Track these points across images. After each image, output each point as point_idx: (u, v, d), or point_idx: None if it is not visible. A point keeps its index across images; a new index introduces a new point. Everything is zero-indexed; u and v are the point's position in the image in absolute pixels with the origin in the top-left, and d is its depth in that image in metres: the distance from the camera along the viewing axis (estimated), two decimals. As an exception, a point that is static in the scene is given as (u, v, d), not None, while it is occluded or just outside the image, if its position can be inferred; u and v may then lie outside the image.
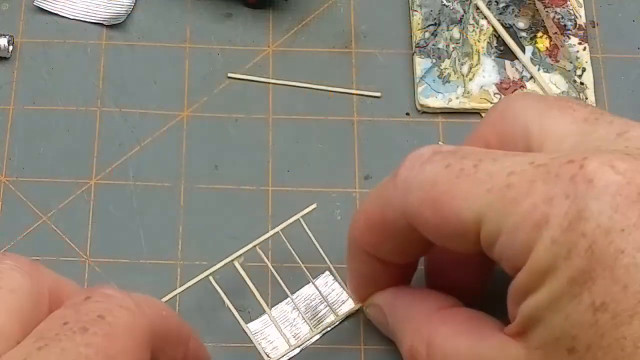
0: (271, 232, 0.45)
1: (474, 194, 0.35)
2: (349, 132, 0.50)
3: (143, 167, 0.49)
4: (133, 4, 0.52)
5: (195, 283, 0.44)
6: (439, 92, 0.51)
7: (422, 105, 0.51)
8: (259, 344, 0.44)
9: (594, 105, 0.50)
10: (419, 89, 0.51)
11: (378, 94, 0.51)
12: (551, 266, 0.33)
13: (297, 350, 0.45)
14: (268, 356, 0.44)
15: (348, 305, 0.46)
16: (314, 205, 0.46)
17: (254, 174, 0.49)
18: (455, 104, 0.50)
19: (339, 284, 0.46)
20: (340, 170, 0.49)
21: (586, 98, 0.51)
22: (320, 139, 0.50)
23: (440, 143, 0.39)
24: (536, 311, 0.34)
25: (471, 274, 0.42)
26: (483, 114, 0.51)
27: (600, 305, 0.32)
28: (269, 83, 0.51)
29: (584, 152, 0.34)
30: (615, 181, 0.32)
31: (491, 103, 0.50)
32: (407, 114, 0.51)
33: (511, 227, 0.34)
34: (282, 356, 0.44)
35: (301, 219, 0.45)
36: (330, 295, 0.46)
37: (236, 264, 0.45)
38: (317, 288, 0.45)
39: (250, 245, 0.45)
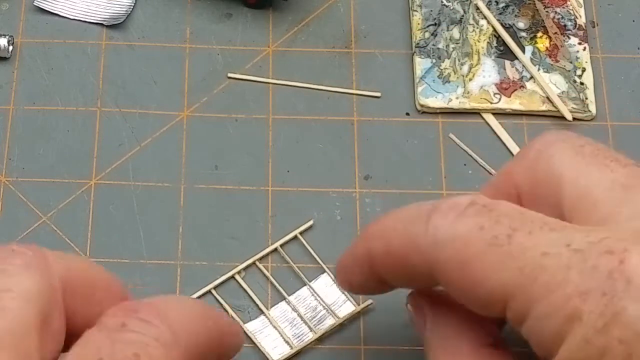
0: (271, 248, 0.46)
1: (505, 269, 0.33)
2: (349, 132, 0.50)
3: (143, 167, 0.49)
4: (133, 4, 0.52)
5: (198, 296, 0.45)
6: (439, 92, 0.51)
7: (422, 105, 0.51)
8: (260, 344, 0.44)
9: (594, 107, 0.50)
10: (419, 89, 0.51)
11: (378, 94, 0.51)
12: None
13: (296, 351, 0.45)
14: (270, 357, 0.44)
15: (347, 306, 0.46)
16: (311, 222, 0.47)
17: (254, 174, 0.49)
18: (455, 104, 0.50)
19: (338, 285, 0.46)
20: (340, 170, 0.49)
21: (586, 98, 0.51)
22: (320, 139, 0.50)
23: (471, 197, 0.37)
24: None
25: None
26: (483, 114, 0.51)
27: None
28: (269, 83, 0.51)
29: (624, 240, 0.32)
30: None
31: (491, 103, 0.50)
32: (407, 114, 0.51)
33: (541, 314, 0.33)
34: (284, 358, 0.44)
35: (299, 235, 0.47)
36: (329, 296, 0.46)
37: (237, 277, 0.46)
38: (315, 291, 0.46)
39: (250, 261, 0.46)
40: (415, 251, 0.36)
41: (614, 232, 0.33)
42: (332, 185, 0.49)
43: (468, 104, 0.50)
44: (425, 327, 0.40)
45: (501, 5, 0.53)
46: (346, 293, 0.46)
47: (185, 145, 0.49)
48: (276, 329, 0.45)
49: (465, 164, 0.49)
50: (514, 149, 0.50)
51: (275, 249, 0.47)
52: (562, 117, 0.50)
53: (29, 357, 0.32)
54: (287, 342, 0.45)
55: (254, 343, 0.45)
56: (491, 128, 0.50)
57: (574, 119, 0.50)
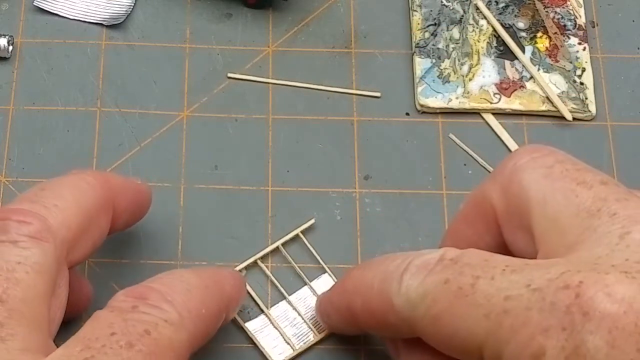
0: (272, 247, 0.47)
1: (473, 318, 0.35)
2: (349, 132, 0.50)
3: (143, 167, 0.49)
4: (133, 4, 0.52)
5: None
6: (438, 92, 0.51)
7: (422, 105, 0.51)
8: (260, 344, 0.44)
9: (594, 107, 0.50)
10: (419, 89, 0.51)
11: (378, 94, 0.51)
12: None
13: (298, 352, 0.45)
14: (270, 356, 0.44)
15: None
16: (312, 221, 0.47)
17: (254, 174, 0.49)
18: (455, 104, 0.50)
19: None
20: (340, 170, 0.49)
21: (586, 98, 0.51)
22: (320, 139, 0.50)
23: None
24: None
25: None
26: (483, 114, 0.51)
27: None
28: (269, 83, 0.51)
29: (580, 273, 0.33)
30: (612, 312, 0.32)
31: (491, 103, 0.50)
32: (407, 114, 0.51)
33: (511, 356, 0.34)
34: (284, 358, 0.44)
35: (300, 233, 0.47)
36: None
37: None
38: (315, 291, 0.46)
39: (251, 260, 0.46)
40: (391, 311, 0.38)
41: (574, 263, 0.34)
42: (332, 185, 0.49)
43: (468, 104, 0.50)
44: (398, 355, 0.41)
45: (501, 5, 0.53)
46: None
47: (185, 145, 0.49)
48: (276, 329, 0.45)
49: (465, 164, 0.49)
50: (514, 148, 0.50)
51: (276, 248, 0.47)
52: (562, 117, 0.50)
53: (40, 324, 0.35)
54: (287, 342, 0.45)
55: (254, 343, 0.45)
56: (491, 128, 0.50)
57: (574, 119, 0.50)
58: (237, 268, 0.46)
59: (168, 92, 0.51)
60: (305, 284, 0.46)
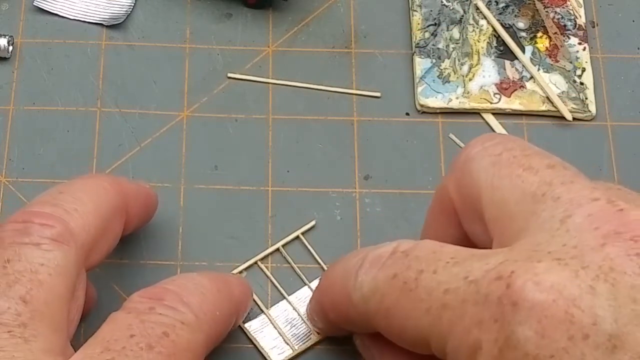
0: (272, 249, 0.47)
1: (417, 313, 0.35)
2: (349, 132, 0.50)
3: (143, 167, 0.49)
4: (133, 4, 0.52)
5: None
6: (438, 92, 0.51)
7: (422, 105, 0.51)
8: (260, 344, 0.44)
9: (594, 108, 0.50)
10: (419, 89, 0.51)
11: (378, 94, 0.51)
12: None
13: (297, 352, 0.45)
14: (269, 357, 0.44)
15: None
16: (313, 222, 0.47)
17: (254, 174, 0.49)
18: (455, 104, 0.50)
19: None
20: (340, 170, 0.49)
21: (586, 98, 0.51)
22: (320, 139, 0.50)
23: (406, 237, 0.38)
24: None
25: None
26: (483, 114, 0.51)
27: None
28: (269, 83, 0.51)
29: (516, 262, 0.33)
30: (540, 301, 0.31)
31: (491, 103, 0.50)
32: (407, 114, 0.51)
33: (452, 349, 0.34)
34: (283, 358, 0.44)
35: (301, 235, 0.47)
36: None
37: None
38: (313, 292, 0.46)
39: (252, 261, 0.46)
40: (351, 306, 0.38)
41: (515, 252, 0.34)
42: (332, 185, 0.49)
43: (468, 104, 0.50)
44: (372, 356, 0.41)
45: (501, 5, 0.53)
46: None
47: (185, 145, 0.49)
48: (276, 329, 0.45)
49: (465, 164, 0.49)
50: (514, 149, 0.50)
51: (276, 249, 0.47)
52: (562, 117, 0.50)
53: (60, 326, 0.35)
54: (287, 342, 0.45)
55: (253, 343, 0.45)
56: (491, 128, 0.50)
57: (574, 119, 0.50)
58: (238, 269, 0.46)
59: (168, 92, 0.51)
60: (305, 284, 0.46)
